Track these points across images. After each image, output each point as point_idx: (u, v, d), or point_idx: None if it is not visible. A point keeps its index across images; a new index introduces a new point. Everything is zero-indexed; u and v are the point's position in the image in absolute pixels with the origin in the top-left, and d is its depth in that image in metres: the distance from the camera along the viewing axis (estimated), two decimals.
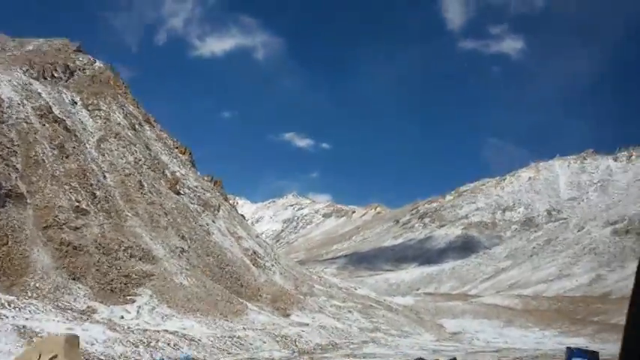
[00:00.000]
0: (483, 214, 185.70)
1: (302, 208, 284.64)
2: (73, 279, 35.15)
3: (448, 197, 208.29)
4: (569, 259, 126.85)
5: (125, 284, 37.58)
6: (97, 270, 37.68)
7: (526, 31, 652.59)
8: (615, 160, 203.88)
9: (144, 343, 25.75)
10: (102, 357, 22.82)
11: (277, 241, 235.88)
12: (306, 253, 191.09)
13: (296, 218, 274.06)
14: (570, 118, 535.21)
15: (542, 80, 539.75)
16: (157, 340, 26.67)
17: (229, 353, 27.90)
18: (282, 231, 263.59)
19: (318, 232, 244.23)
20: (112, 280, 37.41)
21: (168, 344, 26.56)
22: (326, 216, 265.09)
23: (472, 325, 57.72)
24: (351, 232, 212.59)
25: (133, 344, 25.19)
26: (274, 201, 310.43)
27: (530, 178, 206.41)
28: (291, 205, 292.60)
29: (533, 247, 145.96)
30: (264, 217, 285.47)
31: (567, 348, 9.75)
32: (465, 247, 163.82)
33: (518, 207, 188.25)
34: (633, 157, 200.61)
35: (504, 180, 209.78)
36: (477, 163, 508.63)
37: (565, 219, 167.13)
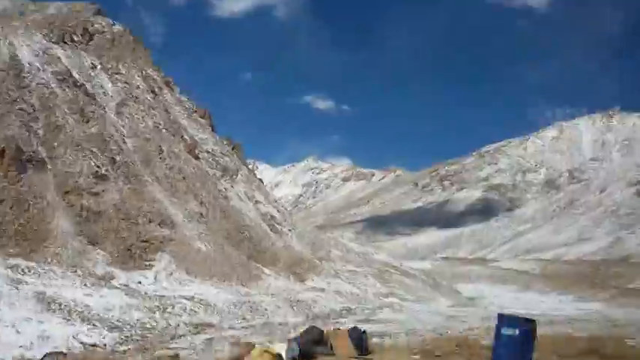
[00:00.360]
0: (504, 176, 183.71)
1: (321, 172, 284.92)
2: (93, 244, 35.78)
3: (469, 159, 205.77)
4: (589, 222, 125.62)
5: (144, 249, 38.15)
6: (116, 235, 38.26)
7: None
8: None
9: (160, 309, 26.31)
10: (118, 323, 23.39)
11: (296, 205, 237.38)
12: (325, 218, 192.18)
13: (315, 182, 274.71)
14: (597, 75, 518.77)
15: (569, 36, 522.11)
16: (173, 306, 27.22)
17: (244, 318, 28.40)
18: (302, 195, 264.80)
19: (337, 196, 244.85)
20: (131, 246, 37.99)
21: (184, 310, 27.10)
22: (345, 180, 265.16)
23: (489, 289, 57.89)
24: (370, 196, 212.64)
25: (150, 310, 25.75)
26: (294, 165, 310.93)
27: (553, 137, 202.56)
28: (311, 169, 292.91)
29: (554, 210, 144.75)
30: (284, 181, 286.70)
31: (499, 315, 7.24)
32: (485, 210, 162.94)
33: (540, 168, 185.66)
34: None
35: (527, 140, 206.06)
36: (501, 122, 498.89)
37: (587, 180, 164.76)
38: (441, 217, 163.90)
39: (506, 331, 7.34)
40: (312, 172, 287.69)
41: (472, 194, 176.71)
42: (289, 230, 56.79)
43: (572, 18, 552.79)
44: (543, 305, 49.84)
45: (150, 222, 41.85)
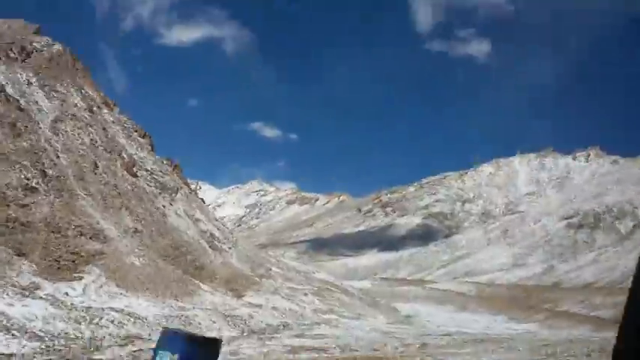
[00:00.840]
0: (444, 206, 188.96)
1: (266, 195, 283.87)
2: (18, 255, 34.00)
3: (410, 188, 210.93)
4: (523, 250, 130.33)
5: (73, 262, 36.56)
6: (45, 247, 36.54)
7: (493, 35, 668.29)
8: (574, 159, 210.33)
9: (86, 320, 25.14)
10: (41, 333, 22.17)
11: (239, 225, 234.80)
12: (267, 238, 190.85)
13: (259, 204, 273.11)
14: (532, 118, 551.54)
15: (507, 83, 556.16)
16: (101, 318, 26.10)
17: None
18: (245, 216, 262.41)
19: (280, 218, 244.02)
20: (60, 257, 36.34)
21: (112, 322, 26.02)
22: (289, 203, 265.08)
23: (426, 309, 58.59)
24: (314, 219, 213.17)
25: (75, 321, 24.56)
26: (238, 187, 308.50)
27: (490, 173, 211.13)
28: (255, 192, 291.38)
29: (490, 238, 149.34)
30: (227, 202, 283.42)
31: (162, 332, 5.04)
32: (425, 235, 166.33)
33: (478, 200, 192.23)
34: (591, 156, 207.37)
35: (466, 174, 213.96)
36: (441, 157, 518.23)
37: (522, 212, 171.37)
38: (382, 241, 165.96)
39: (163, 355, 4.78)
40: (257, 194, 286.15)
41: (412, 220, 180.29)
42: (229, 248, 55.96)
43: (509, 67, 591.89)
44: (477, 325, 50.89)
45: (81, 235, 40.25)
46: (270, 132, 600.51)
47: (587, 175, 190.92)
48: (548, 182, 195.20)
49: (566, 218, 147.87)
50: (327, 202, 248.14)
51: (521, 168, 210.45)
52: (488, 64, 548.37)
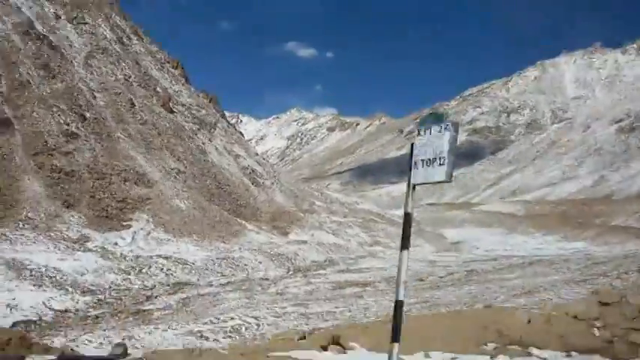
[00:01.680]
0: (488, 119, 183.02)
1: (306, 123, 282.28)
2: (67, 207, 34.75)
3: (452, 103, 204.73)
4: (572, 161, 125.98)
5: (121, 210, 37.25)
6: (91, 196, 37.20)
7: None
8: (623, 53, 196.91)
9: (135, 270, 25.66)
10: (91, 287, 22.72)
11: (282, 158, 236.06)
12: (310, 170, 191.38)
13: (300, 133, 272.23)
14: (578, 12, 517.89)
15: None
16: (149, 267, 26.59)
17: (223, 275, 27.91)
18: (287, 148, 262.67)
19: (322, 147, 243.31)
20: (107, 206, 37.03)
21: (161, 270, 26.50)
22: (330, 130, 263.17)
23: (473, 233, 57.75)
24: (356, 145, 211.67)
25: (124, 272, 25.10)
26: (278, 117, 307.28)
27: (535, 77, 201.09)
28: (295, 121, 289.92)
29: (537, 151, 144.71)
30: (269, 134, 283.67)
31: None
32: (469, 153, 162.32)
33: (524, 109, 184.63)
34: None
35: (510, 81, 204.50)
36: (483, 64, 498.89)
37: (570, 119, 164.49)
38: None
39: None
40: (297, 124, 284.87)
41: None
42: (272, 183, 55.98)
43: None
44: (527, 246, 50.05)
45: (125, 181, 40.76)
46: (305, 52, 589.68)
47: (638, 70, 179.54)
48: (597, 82, 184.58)
49: (617, 122, 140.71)
50: (369, 126, 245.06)
51: (568, 68, 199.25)
52: None
